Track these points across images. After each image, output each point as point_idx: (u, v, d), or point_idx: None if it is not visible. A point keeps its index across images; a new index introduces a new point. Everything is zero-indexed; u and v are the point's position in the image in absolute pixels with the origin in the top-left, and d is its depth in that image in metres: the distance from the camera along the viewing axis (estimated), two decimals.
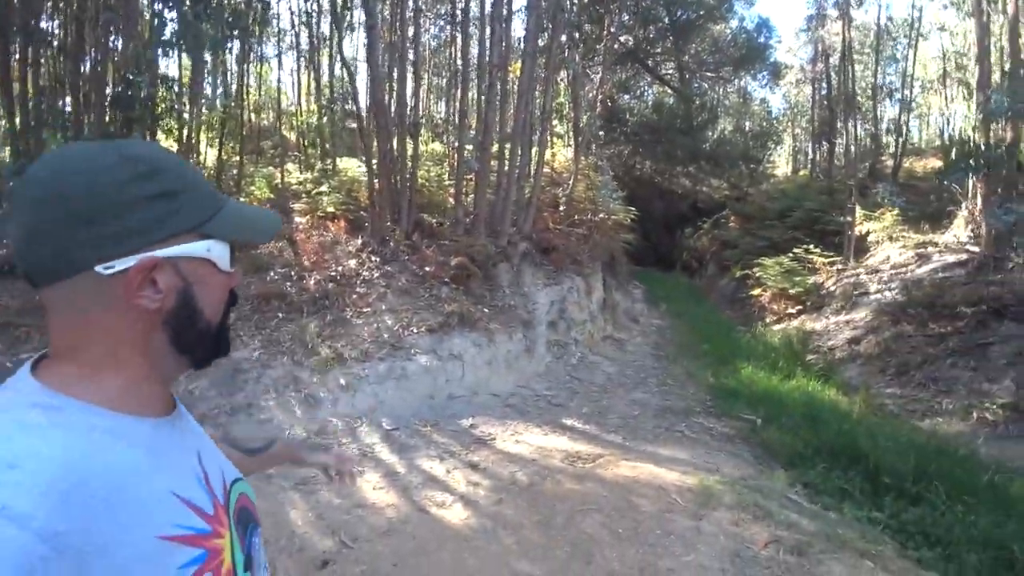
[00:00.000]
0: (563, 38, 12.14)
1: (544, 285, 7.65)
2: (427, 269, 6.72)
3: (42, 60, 6.93)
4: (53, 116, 6.28)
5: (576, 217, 10.09)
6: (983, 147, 8.62)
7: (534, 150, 9.24)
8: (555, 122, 16.02)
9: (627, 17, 17.19)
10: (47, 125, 6.06)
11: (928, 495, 3.80)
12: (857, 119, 14.26)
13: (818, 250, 11.56)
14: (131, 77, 5.40)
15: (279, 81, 14.78)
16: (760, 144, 20.17)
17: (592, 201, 10.71)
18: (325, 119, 10.65)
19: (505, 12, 7.36)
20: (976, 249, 9.13)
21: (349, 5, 9.27)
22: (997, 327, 6.86)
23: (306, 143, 10.92)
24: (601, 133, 17.22)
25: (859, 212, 11.75)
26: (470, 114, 8.59)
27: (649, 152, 20.15)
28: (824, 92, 18.32)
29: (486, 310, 6.44)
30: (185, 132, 7.60)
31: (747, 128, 21.17)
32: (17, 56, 6.56)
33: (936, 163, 16.33)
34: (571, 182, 9.79)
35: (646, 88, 21.34)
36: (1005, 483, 4.24)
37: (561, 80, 15.05)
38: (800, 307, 10.77)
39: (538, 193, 8.81)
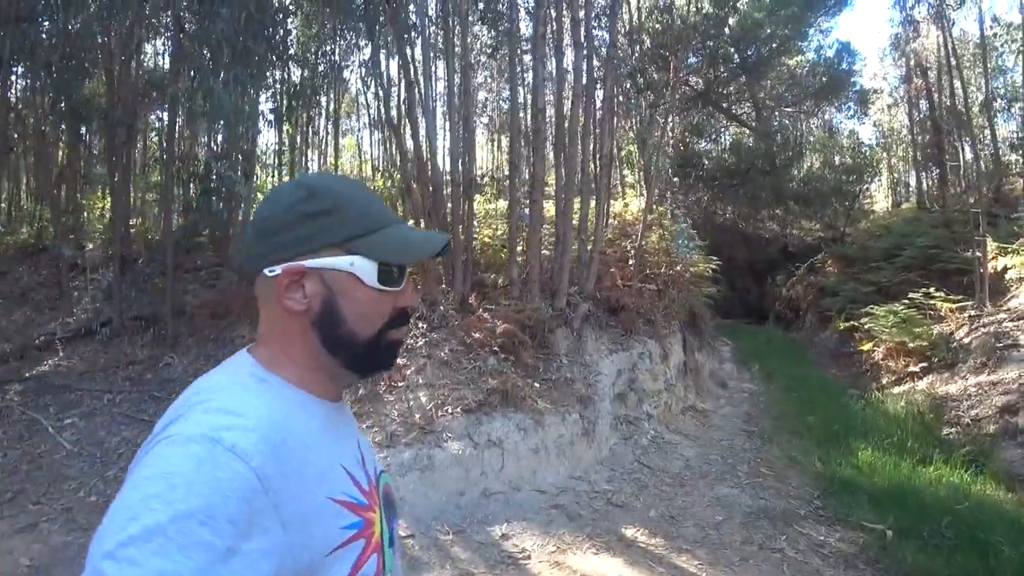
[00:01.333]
0: (627, 84, 11.63)
1: (610, 351, 6.70)
2: (475, 336, 6.01)
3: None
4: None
5: (648, 272, 9.13)
6: None
7: (593, 201, 8.51)
8: (626, 172, 15.40)
9: (695, 59, 16.50)
10: None
11: None
12: (970, 138, 12.35)
13: (941, 294, 9.77)
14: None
15: (359, 149, 15.33)
16: (855, 178, 18.25)
17: (667, 253, 9.70)
18: (387, 183, 10.57)
19: (550, 50, 6.79)
20: None
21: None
22: None
23: None
24: (676, 180, 16.30)
25: (991, 245, 9.91)
26: (522, 165, 8.05)
27: (730, 197, 18.89)
28: (926, 112, 16.42)
29: (536, 384, 5.60)
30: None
31: (837, 162, 19.28)
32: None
33: None
34: (640, 232, 8.88)
35: (722, 130, 20.22)
36: None
37: (630, 128, 14.49)
38: (925, 364, 8.97)
39: (600, 247, 7.99)
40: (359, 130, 18.07)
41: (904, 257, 12.52)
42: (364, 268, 0.70)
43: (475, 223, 7.98)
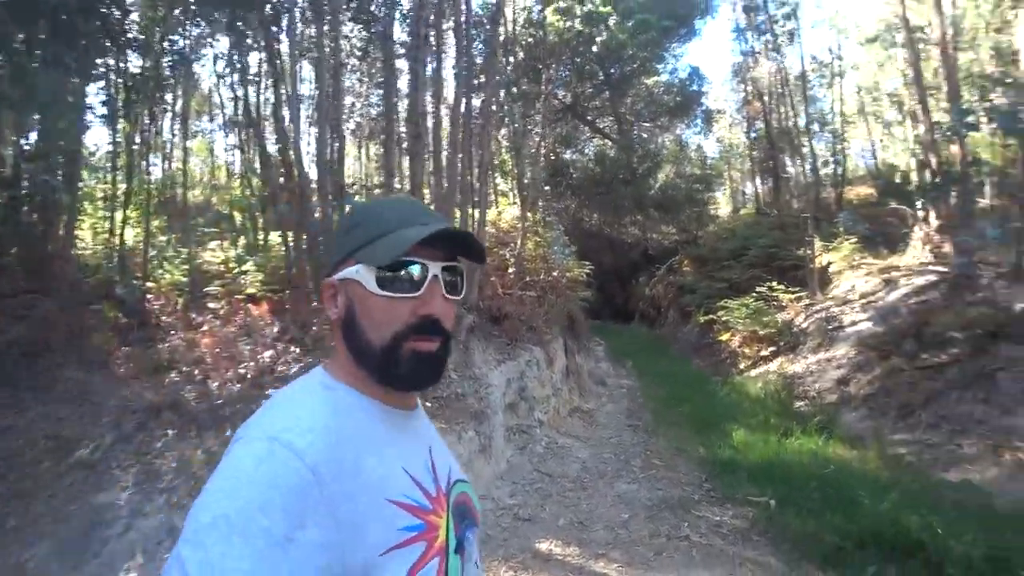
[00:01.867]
0: (501, 93, 11.76)
1: (498, 362, 6.63)
2: None
3: None
4: None
5: (528, 279, 9.26)
6: (946, 169, 8.34)
7: (472, 209, 8.45)
8: (499, 180, 15.61)
9: (565, 73, 17.24)
10: None
11: None
12: (798, 155, 14.30)
13: (781, 287, 11.06)
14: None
15: (211, 153, 13.80)
16: (703, 187, 20.24)
17: (544, 259, 9.94)
18: (246, 191, 9.61)
19: (430, 55, 6.61)
20: (943, 269, 8.75)
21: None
22: (996, 351, 6.23)
23: (230, 216, 9.78)
24: (547, 188, 16.84)
25: (817, 244, 11.40)
26: (400, 173, 7.78)
27: (596, 204, 19.98)
28: (756, 132, 18.69)
29: (428, 404, 5.35)
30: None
31: (688, 173, 21.30)
32: None
33: (866, 190, 16.72)
34: (519, 241, 8.98)
35: (587, 142, 21.35)
36: None
37: (502, 137, 14.70)
38: (774, 348, 10.10)
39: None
40: (211, 132, 16.44)
41: (749, 256, 13.97)
42: (364, 274, 0.72)
43: None
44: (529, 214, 10.85)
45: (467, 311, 6.98)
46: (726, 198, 28.15)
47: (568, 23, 13.83)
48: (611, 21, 14.68)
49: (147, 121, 6.82)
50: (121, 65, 5.99)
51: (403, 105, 7.68)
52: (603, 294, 16.75)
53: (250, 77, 6.59)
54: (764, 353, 10.19)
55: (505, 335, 7.21)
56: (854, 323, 8.86)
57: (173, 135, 9.69)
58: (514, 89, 12.02)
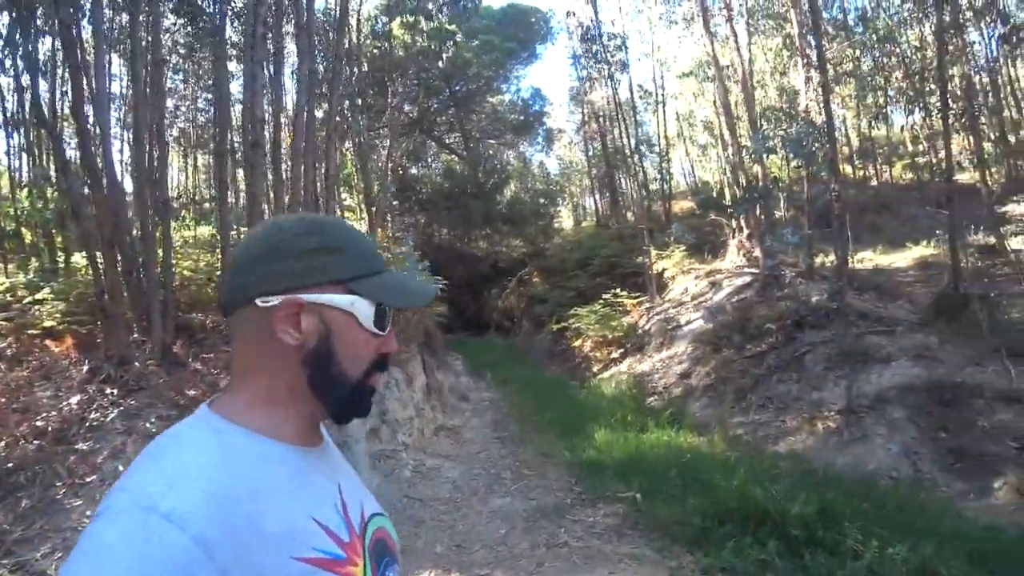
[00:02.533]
0: (346, 103, 11.25)
1: None
2: (191, 394, 4.85)
3: None
4: None
5: None
6: (753, 185, 9.59)
7: None
8: (344, 195, 14.93)
9: (411, 88, 17.08)
10: None
11: (841, 537, 3.34)
12: (630, 172, 15.65)
13: (624, 292, 11.94)
14: None
15: None
16: (547, 201, 21.30)
17: None
18: (37, 203, 7.96)
19: (269, 63, 6.06)
20: (755, 270, 10.08)
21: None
22: (802, 337, 7.27)
23: (16, 234, 8.00)
24: (395, 203, 16.48)
25: (653, 253, 12.50)
26: (235, 186, 7.02)
27: (445, 219, 20.04)
28: (594, 151, 20.19)
29: None
30: None
31: (533, 188, 22.32)
32: None
33: (687, 204, 18.91)
34: None
35: (434, 157, 21.40)
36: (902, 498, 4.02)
37: (347, 150, 14.10)
38: (623, 350, 10.82)
39: None
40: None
41: (594, 265, 14.94)
42: (363, 309, 0.68)
43: (172, 255, 6.59)
44: (379, 229, 10.48)
45: None
46: (568, 212, 30.14)
47: (415, 37, 13.75)
48: (457, 38, 14.90)
49: None
50: None
51: (236, 111, 6.94)
52: (456, 307, 16.39)
53: (41, 68, 5.44)
54: (614, 355, 10.88)
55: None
56: (689, 322, 9.82)
57: None
58: (359, 101, 11.59)
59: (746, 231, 11.04)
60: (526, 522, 4.12)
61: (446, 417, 8.26)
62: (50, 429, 4.39)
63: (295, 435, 0.67)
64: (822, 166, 8.92)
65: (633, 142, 15.85)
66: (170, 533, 0.51)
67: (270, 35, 6.02)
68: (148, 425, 4.45)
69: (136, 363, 5.15)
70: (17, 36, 4.46)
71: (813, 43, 8.57)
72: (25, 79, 5.58)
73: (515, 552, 3.63)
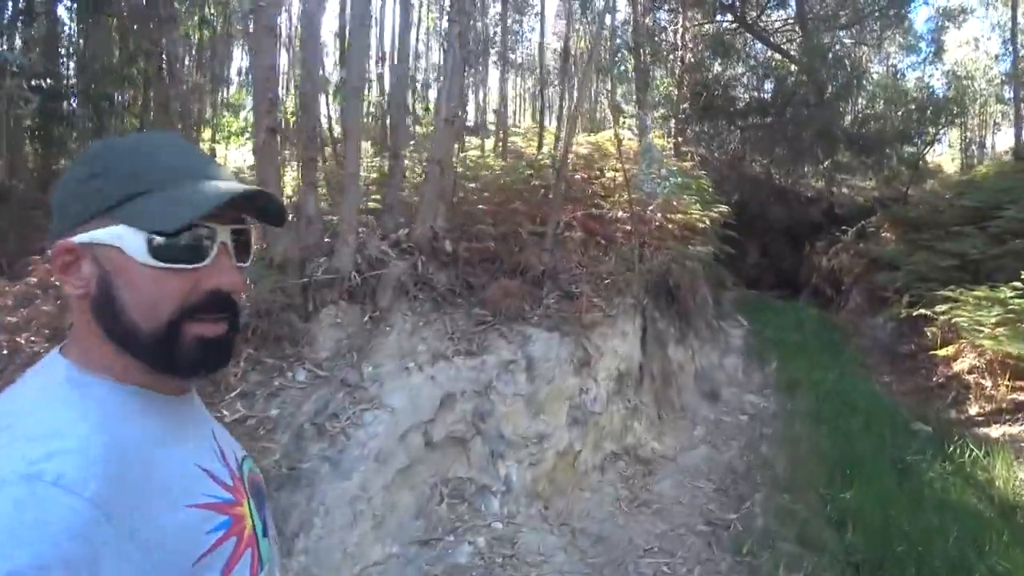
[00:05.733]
0: None
1: (434, 359, 3.30)
2: None
3: None
4: None
5: (593, 210, 5.66)
6: None
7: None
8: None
9: None
10: None
11: None
12: None
13: None
14: None
15: None
16: (927, 120, 13.90)
17: (626, 187, 6.09)
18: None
19: None
20: None
21: None
22: None
23: None
24: (685, 106, 12.52)
25: None
26: None
27: (764, 142, 14.97)
28: None
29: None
30: None
31: (901, 101, 14.75)
32: None
33: None
34: (565, 138, 5.45)
35: (748, 55, 15.72)
36: None
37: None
38: None
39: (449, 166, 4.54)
40: None
41: (1003, 221, 8.73)
42: (130, 240, 0.55)
43: None
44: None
45: (403, 252, 3.68)
46: (956, 152, 20.98)
47: None
48: None
49: None
50: None
51: None
52: (766, 258, 14.03)
53: None
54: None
55: (486, 305, 3.81)
56: None
57: None
58: None
59: None
60: None
61: (652, 430, 4.81)
62: None
63: (153, 381, 0.59)
64: None
65: None
66: (64, 498, 0.46)
67: None
68: None
69: None
70: None
71: None
72: None
73: None
